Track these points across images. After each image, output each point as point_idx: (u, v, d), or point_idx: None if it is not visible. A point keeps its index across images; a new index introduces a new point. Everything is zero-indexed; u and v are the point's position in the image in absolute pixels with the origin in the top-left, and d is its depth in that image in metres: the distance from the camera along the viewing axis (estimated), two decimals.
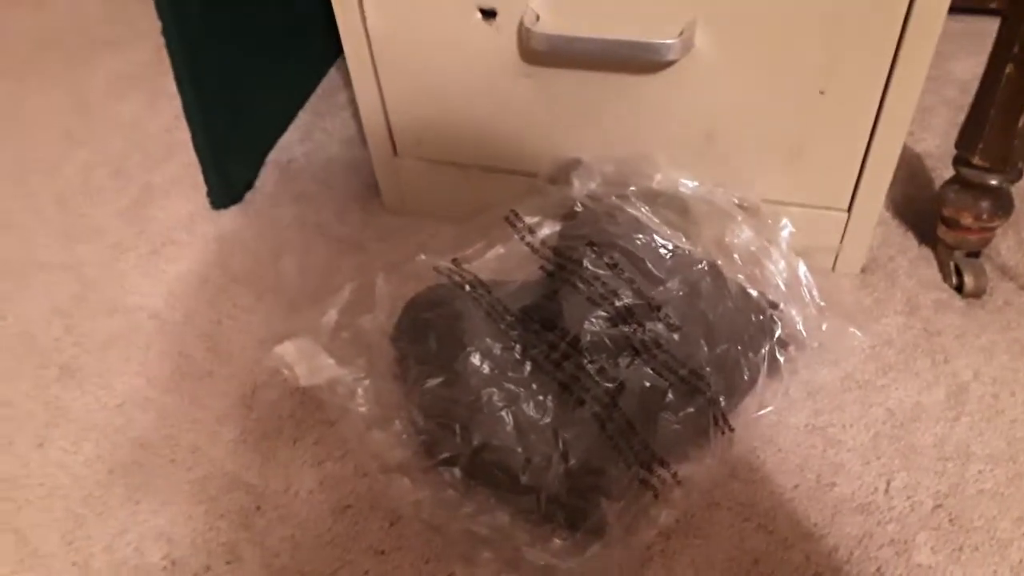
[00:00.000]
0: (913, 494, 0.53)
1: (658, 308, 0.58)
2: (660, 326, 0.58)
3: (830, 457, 0.56)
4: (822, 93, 0.59)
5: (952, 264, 0.67)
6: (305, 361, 0.57)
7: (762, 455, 0.57)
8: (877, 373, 0.61)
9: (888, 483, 0.54)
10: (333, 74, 0.95)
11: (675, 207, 0.65)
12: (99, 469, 0.59)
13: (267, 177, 0.83)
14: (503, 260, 0.64)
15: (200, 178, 0.79)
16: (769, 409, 0.58)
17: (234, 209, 0.80)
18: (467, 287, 0.61)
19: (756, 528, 0.52)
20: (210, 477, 0.58)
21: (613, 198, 0.65)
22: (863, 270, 0.69)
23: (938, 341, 0.63)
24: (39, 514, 0.57)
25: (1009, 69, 0.58)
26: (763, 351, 0.59)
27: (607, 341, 0.57)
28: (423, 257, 0.63)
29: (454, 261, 0.63)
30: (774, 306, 0.61)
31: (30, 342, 0.69)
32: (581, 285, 0.59)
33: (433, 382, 0.55)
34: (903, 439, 0.56)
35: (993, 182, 0.63)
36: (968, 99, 0.62)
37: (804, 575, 0.50)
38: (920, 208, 0.73)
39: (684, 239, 0.62)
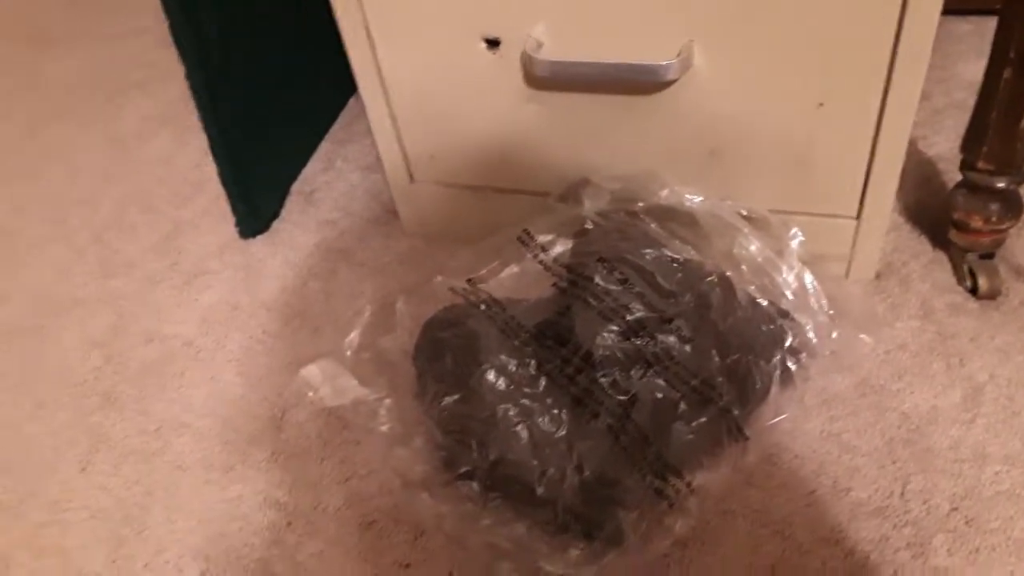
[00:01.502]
0: (929, 497, 0.54)
1: (669, 320, 0.59)
2: (671, 338, 0.59)
3: (845, 462, 0.56)
4: (821, 105, 0.60)
5: (965, 267, 0.67)
6: (330, 382, 0.59)
7: (777, 462, 0.57)
8: (892, 378, 0.61)
9: (904, 487, 0.54)
10: (353, 103, 0.99)
11: (683, 221, 0.66)
12: (138, 491, 0.62)
13: (292, 207, 0.86)
14: (517, 279, 0.66)
15: (228, 210, 0.83)
16: (783, 416, 0.58)
17: (261, 238, 0.83)
18: (482, 306, 0.63)
19: (772, 534, 0.53)
20: (243, 496, 0.60)
21: (622, 214, 0.66)
22: (877, 275, 0.69)
23: (953, 344, 0.63)
24: (83, 535, 0.60)
25: (1007, 73, 0.58)
26: (775, 360, 0.59)
27: (619, 354, 0.58)
28: (440, 278, 0.65)
29: (469, 281, 0.65)
30: (784, 315, 0.61)
31: (70, 373, 0.73)
32: (593, 301, 0.60)
33: (450, 399, 0.57)
34: (918, 443, 0.57)
35: (1000, 184, 0.63)
36: None
37: None
38: (933, 212, 0.73)
39: (693, 252, 0.63)
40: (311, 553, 0.56)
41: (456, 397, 0.57)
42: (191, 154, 0.96)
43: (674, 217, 0.66)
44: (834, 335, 0.60)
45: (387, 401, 0.58)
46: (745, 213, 0.66)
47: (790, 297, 0.61)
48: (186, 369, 0.71)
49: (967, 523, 0.52)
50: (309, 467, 0.61)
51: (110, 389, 0.70)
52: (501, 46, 0.63)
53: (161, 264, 0.82)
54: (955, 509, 0.53)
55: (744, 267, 0.63)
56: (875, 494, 0.54)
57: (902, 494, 0.54)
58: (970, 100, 0.62)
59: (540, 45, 0.62)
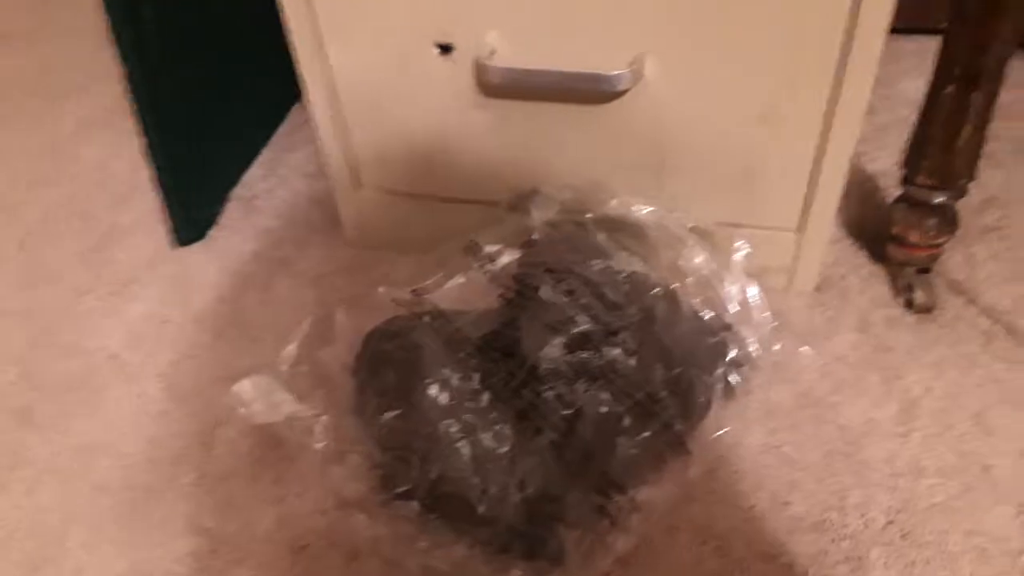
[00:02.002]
0: (866, 511, 0.54)
1: (615, 333, 0.58)
2: (617, 351, 0.58)
3: (785, 476, 0.57)
4: (765, 118, 0.60)
5: (903, 281, 0.69)
6: (263, 398, 0.57)
7: (719, 476, 0.57)
8: (830, 390, 0.62)
9: (841, 500, 0.55)
10: (298, 109, 0.96)
11: (631, 232, 0.66)
12: (56, 514, 0.59)
13: (230, 214, 0.83)
14: (463, 289, 0.65)
15: (164, 217, 0.79)
16: (725, 430, 0.58)
17: (196, 246, 0.80)
18: (426, 317, 0.61)
19: (713, 551, 0.53)
20: (167, 520, 0.57)
21: (571, 225, 0.66)
22: (817, 288, 0.70)
23: (889, 357, 0.64)
24: None
25: (950, 89, 0.59)
26: (717, 372, 0.59)
27: (565, 368, 0.57)
28: (383, 289, 0.63)
29: (414, 292, 0.64)
30: (727, 328, 0.61)
31: None
32: (540, 312, 0.59)
33: (391, 415, 0.55)
34: (855, 455, 0.57)
35: (938, 200, 0.65)
36: None
37: None
38: (873, 226, 0.75)
39: (640, 264, 0.63)
40: None
41: (397, 412, 0.55)
42: (128, 159, 0.92)
43: (622, 228, 0.65)
44: (776, 347, 0.60)
45: (323, 417, 0.56)
46: (691, 225, 0.66)
47: (733, 309, 0.61)
48: (109, 385, 0.67)
49: (903, 536, 0.52)
50: (238, 488, 0.58)
51: (26, 406, 0.66)
52: (454, 52, 0.62)
53: (88, 274, 0.78)
54: (891, 522, 0.53)
55: (689, 279, 0.63)
56: (813, 508, 0.55)
57: (840, 508, 0.54)
58: (913, 117, 0.64)
59: (493, 52, 0.61)
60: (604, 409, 0.55)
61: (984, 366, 0.63)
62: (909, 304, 0.68)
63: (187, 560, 0.54)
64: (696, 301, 0.62)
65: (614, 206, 0.67)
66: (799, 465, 0.57)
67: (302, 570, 0.53)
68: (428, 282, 0.65)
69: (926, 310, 0.67)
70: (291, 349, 0.60)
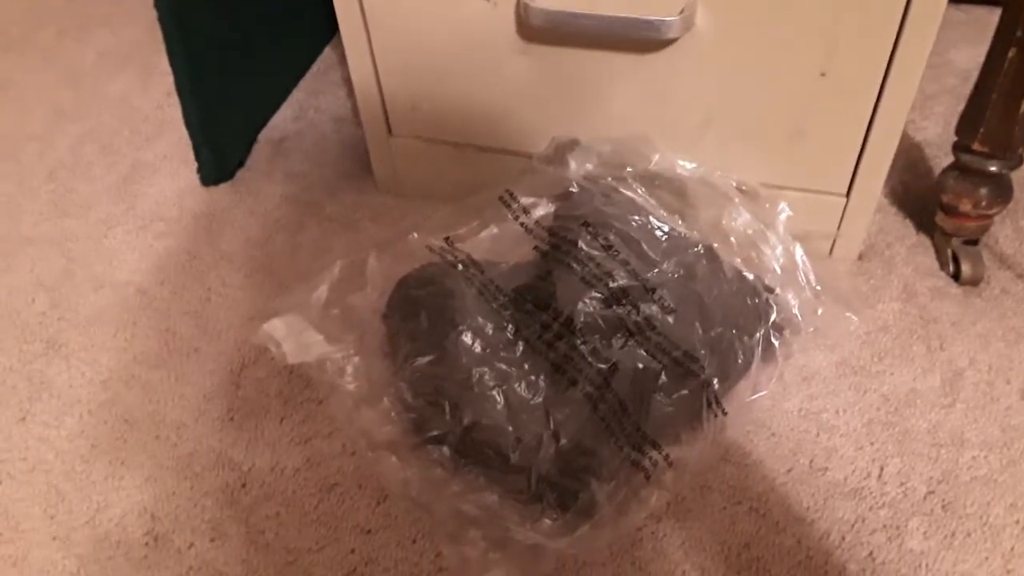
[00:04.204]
0: (906, 480, 0.53)
1: (653, 290, 0.57)
2: (654, 308, 0.57)
3: (823, 442, 0.55)
4: (823, 75, 0.58)
5: (950, 252, 0.67)
6: (294, 338, 0.56)
7: (755, 439, 0.56)
8: (872, 359, 0.60)
9: (881, 469, 0.54)
10: (329, 52, 0.94)
11: (672, 189, 0.64)
12: (82, 444, 0.58)
13: (259, 155, 0.82)
14: (497, 240, 0.64)
15: (190, 155, 0.78)
16: (763, 393, 0.57)
17: (224, 187, 0.78)
18: (460, 266, 0.60)
19: (748, 511, 0.52)
20: (196, 454, 0.57)
21: (609, 179, 0.64)
22: (860, 257, 0.68)
23: (934, 328, 0.62)
24: (21, 488, 0.56)
25: (1012, 53, 0.57)
26: (758, 335, 0.58)
27: (601, 322, 0.56)
28: (415, 236, 0.62)
29: (447, 240, 0.62)
30: (770, 290, 0.60)
31: (14, 316, 0.68)
32: (575, 266, 0.58)
33: (423, 360, 0.54)
34: (897, 425, 0.56)
35: (993, 168, 0.63)
36: (969, 88, 0.61)
37: (795, 559, 0.50)
38: (919, 196, 0.73)
39: (681, 221, 0.62)
40: (266, 516, 0.53)
41: (430, 358, 0.54)
42: (153, 95, 0.91)
43: (663, 184, 0.64)
44: (819, 312, 0.59)
45: (355, 359, 0.55)
46: (735, 184, 0.64)
47: (777, 272, 0.60)
48: (139, 319, 0.67)
49: (943, 507, 0.51)
50: (268, 426, 0.58)
51: (56, 335, 0.66)
52: None
53: (117, 207, 0.77)
54: (932, 493, 0.52)
55: (732, 239, 0.61)
56: (852, 475, 0.54)
57: (879, 476, 0.53)
58: (961, 88, 0.62)
59: None
60: (640, 365, 0.54)
61: None
62: (956, 276, 0.66)
63: (215, 494, 0.54)
64: (738, 261, 0.61)
65: (656, 161, 0.65)
66: (838, 432, 0.56)
67: (331, 509, 0.53)
68: (462, 230, 0.64)
69: (973, 282, 0.65)
70: (322, 292, 0.59)
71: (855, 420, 0.56)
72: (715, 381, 0.55)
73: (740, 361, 0.57)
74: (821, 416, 0.57)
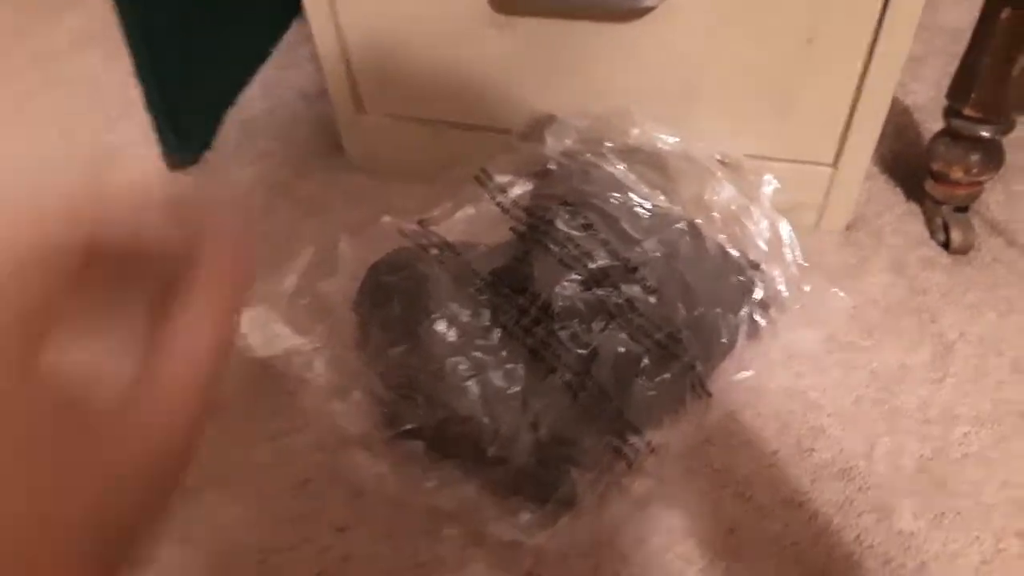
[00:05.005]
0: (896, 459, 0.52)
1: (634, 270, 0.55)
2: (636, 289, 0.55)
3: (811, 421, 0.54)
4: (809, 41, 0.55)
5: (940, 220, 0.65)
6: (261, 330, 0.54)
7: (740, 420, 0.54)
8: (861, 334, 0.59)
9: (871, 447, 0.52)
10: (299, 25, 0.90)
11: (653, 164, 0.62)
12: None
13: (226, 136, 0.79)
14: (472, 221, 0.61)
15: (155, 139, 0.75)
16: (748, 373, 0.55)
17: (191, 170, 0.75)
18: (433, 250, 0.58)
19: (733, 496, 0.51)
20: None
21: (588, 155, 0.62)
22: (848, 227, 0.66)
23: (924, 300, 0.60)
24: None
25: (1005, 13, 0.54)
26: (743, 313, 0.56)
27: (580, 305, 0.54)
28: (388, 219, 0.60)
29: (420, 223, 0.60)
30: (755, 266, 0.58)
31: None
32: (553, 247, 0.56)
33: (396, 350, 0.52)
34: (886, 402, 0.55)
35: (985, 134, 0.60)
36: (960, 49, 0.58)
37: (782, 545, 0.48)
38: (908, 163, 0.70)
39: (662, 197, 0.59)
40: (235, 516, 0.51)
41: (403, 348, 0.52)
42: (120, 75, 0.87)
43: (644, 159, 0.61)
44: (806, 288, 0.57)
45: (324, 352, 0.53)
46: (718, 157, 0.62)
47: (762, 247, 0.58)
48: None
49: (934, 486, 0.50)
50: (235, 423, 0.56)
51: None
52: None
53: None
54: (922, 471, 0.51)
55: (715, 214, 0.59)
56: (840, 455, 0.52)
57: (868, 456, 0.52)
58: (951, 47, 0.59)
59: None
60: (621, 349, 0.52)
61: (1023, 311, 0.59)
62: (946, 244, 0.64)
63: (183, 493, 0.52)
64: (721, 238, 0.59)
65: (636, 135, 0.63)
66: (826, 411, 0.54)
67: (303, 506, 0.51)
68: (435, 212, 0.61)
69: (964, 251, 0.63)
70: (291, 280, 0.56)
71: (843, 398, 0.55)
72: (698, 363, 0.53)
73: (724, 340, 0.55)
74: (808, 395, 0.55)
